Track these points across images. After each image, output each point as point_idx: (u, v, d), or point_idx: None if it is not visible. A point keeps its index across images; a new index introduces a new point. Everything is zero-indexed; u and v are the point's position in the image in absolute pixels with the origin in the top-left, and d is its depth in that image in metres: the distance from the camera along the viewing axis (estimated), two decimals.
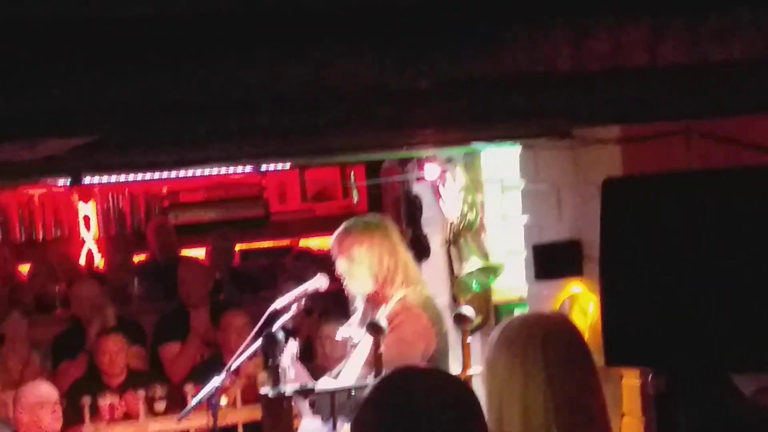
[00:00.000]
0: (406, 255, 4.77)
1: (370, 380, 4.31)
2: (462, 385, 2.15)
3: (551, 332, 2.67)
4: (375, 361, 4.27)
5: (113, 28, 1.90)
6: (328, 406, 4.44)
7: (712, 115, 3.53)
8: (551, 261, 4.80)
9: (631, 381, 4.51)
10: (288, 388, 4.36)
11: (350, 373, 4.59)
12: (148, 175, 5.62)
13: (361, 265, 4.64)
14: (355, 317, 4.80)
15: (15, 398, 5.67)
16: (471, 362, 4.51)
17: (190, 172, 5.73)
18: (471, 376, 4.47)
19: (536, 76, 1.89)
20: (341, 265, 4.70)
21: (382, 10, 1.77)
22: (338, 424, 4.33)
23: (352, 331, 4.76)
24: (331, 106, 2.47)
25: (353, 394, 4.34)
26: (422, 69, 1.87)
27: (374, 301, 4.67)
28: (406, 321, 4.50)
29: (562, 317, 2.97)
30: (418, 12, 1.78)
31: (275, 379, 4.38)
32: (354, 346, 4.68)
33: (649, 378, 4.10)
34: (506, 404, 2.58)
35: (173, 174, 5.59)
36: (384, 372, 4.18)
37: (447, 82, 1.92)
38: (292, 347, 4.49)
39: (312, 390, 4.39)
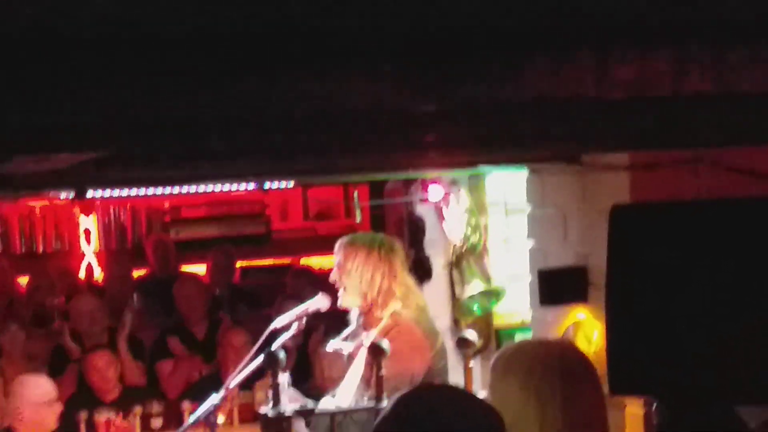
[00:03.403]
0: (407, 280, 4.71)
1: (368, 401, 4.29)
2: (483, 403, 2.12)
3: (566, 360, 2.65)
4: (376, 383, 4.24)
5: (127, 46, 1.89)
6: (326, 427, 4.40)
7: (735, 144, 3.52)
8: (556, 286, 4.78)
9: (634, 410, 4.48)
10: (288, 408, 4.33)
11: (346, 391, 4.56)
12: (150, 190, 5.59)
13: (350, 279, 4.61)
14: (348, 330, 4.78)
15: (14, 393, 5.57)
16: (473, 386, 4.48)
17: (193, 188, 5.72)
18: None
19: (559, 103, 1.88)
20: (336, 275, 4.67)
21: (405, 34, 1.76)
22: None
23: (342, 344, 4.73)
24: (344, 127, 2.45)
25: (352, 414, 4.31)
26: (443, 93, 1.86)
27: (366, 319, 4.64)
28: (398, 336, 4.47)
29: (571, 344, 2.95)
30: (443, 36, 1.77)
31: (275, 398, 4.35)
32: (350, 361, 4.65)
33: (653, 408, 4.07)
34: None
35: (176, 189, 5.57)
36: (385, 392, 4.18)
37: (467, 107, 1.90)
38: (285, 377, 4.45)
39: (312, 411, 4.36)
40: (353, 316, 4.77)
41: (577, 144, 3.40)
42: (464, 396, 2.12)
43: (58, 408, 5.60)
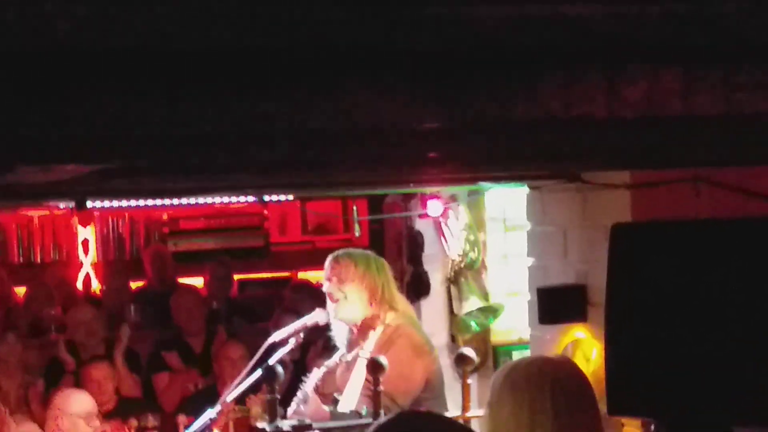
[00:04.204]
0: (398, 293, 4.77)
1: (366, 415, 4.28)
2: (463, 429, 2.11)
3: (560, 377, 2.65)
4: (374, 399, 4.23)
5: (132, 59, 1.89)
6: None
7: (743, 164, 3.52)
8: (555, 304, 4.77)
9: (632, 430, 4.46)
10: (285, 423, 4.31)
11: (348, 402, 4.55)
12: (150, 201, 5.59)
13: (353, 287, 4.61)
14: (339, 353, 4.77)
15: (54, 405, 5.59)
16: (470, 403, 4.47)
17: (192, 200, 5.72)
18: (470, 418, 4.44)
19: (569, 121, 1.88)
20: (335, 287, 4.66)
21: (415, 50, 1.76)
22: None
23: (338, 357, 4.73)
24: (349, 142, 2.45)
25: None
26: (452, 110, 1.86)
27: (363, 329, 4.63)
28: (399, 340, 4.48)
29: (568, 361, 2.94)
30: (453, 53, 1.77)
31: (272, 413, 4.34)
32: (347, 373, 4.64)
33: (652, 429, 4.06)
34: None
35: (175, 201, 5.57)
36: (383, 399, 4.18)
37: (476, 124, 1.90)
38: (317, 375, 4.47)
39: (309, 426, 4.34)
40: (339, 337, 4.76)
41: (584, 163, 3.41)
42: (445, 422, 2.09)
43: (95, 423, 5.60)
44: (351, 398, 4.55)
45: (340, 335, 4.76)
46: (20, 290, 7.96)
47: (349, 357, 4.69)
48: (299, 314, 5.10)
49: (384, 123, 1.90)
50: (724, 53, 1.86)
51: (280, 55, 1.88)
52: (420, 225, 6.41)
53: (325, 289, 4.74)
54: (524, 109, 1.84)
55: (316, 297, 6.66)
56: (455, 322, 6.19)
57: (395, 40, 1.68)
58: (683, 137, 2.37)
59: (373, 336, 4.59)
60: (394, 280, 4.79)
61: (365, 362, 4.48)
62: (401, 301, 4.76)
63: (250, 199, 5.89)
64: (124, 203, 5.79)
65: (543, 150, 2.55)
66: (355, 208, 6.98)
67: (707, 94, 1.88)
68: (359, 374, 4.56)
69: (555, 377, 2.63)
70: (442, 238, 6.20)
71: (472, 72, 1.83)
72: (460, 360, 4.42)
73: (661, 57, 1.86)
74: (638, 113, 1.86)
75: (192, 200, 5.67)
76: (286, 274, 8.90)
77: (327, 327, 4.85)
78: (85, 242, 8.90)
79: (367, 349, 4.57)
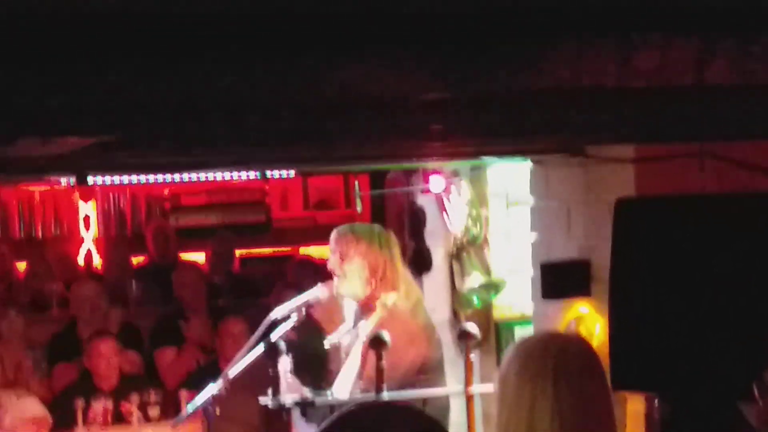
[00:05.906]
0: (404, 270, 4.72)
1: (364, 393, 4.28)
2: (425, 418, 2.09)
3: (565, 352, 2.63)
4: (377, 375, 4.21)
5: (135, 28, 1.86)
6: (322, 417, 4.38)
7: (757, 137, 3.49)
8: (559, 280, 4.76)
9: (635, 406, 4.45)
10: (288, 399, 4.30)
11: (343, 384, 4.53)
12: (151, 177, 5.57)
13: (353, 265, 4.58)
14: (345, 326, 4.75)
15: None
16: (473, 379, 4.46)
17: (193, 175, 5.70)
18: (472, 393, 4.43)
19: (578, 91, 1.85)
20: (336, 263, 4.64)
21: (422, 19, 1.73)
22: None
23: (341, 337, 4.71)
24: (352, 113, 2.42)
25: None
26: (460, 81, 1.83)
27: (363, 307, 4.62)
28: (393, 327, 4.44)
29: (579, 338, 2.92)
30: (460, 22, 1.74)
31: (274, 389, 4.33)
32: (347, 354, 4.63)
33: (656, 403, 4.06)
34: (513, 422, 2.54)
35: (176, 176, 5.54)
36: (368, 385, 4.17)
37: (484, 95, 1.87)
38: (286, 363, 4.43)
39: (312, 402, 4.33)
40: (348, 311, 4.75)
41: (593, 135, 3.37)
42: (405, 413, 2.07)
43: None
44: (347, 378, 4.54)
45: (349, 310, 4.74)
46: (21, 265, 7.97)
47: (349, 337, 4.67)
48: (301, 290, 5.08)
49: (387, 94, 1.87)
50: (739, 21, 1.82)
51: (283, 25, 1.85)
52: (422, 200, 6.38)
53: (328, 263, 4.73)
54: (533, 80, 1.81)
55: (317, 272, 6.65)
56: (457, 298, 6.17)
57: (399, 8, 1.65)
58: (695, 109, 2.34)
59: (373, 317, 4.57)
60: (400, 257, 4.74)
61: (362, 344, 4.47)
62: (405, 280, 4.69)
63: (252, 174, 5.86)
64: (126, 179, 5.77)
65: (551, 122, 2.52)
66: (356, 183, 6.96)
67: (721, 64, 1.85)
68: (356, 355, 4.54)
69: (560, 352, 2.61)
70: (444, 214, 6.17)
71: (479, 40, 1.79)
72: (463, 336, 4.41)
73: (673, 25, 1.83)
74: (650, 83, 1.83)
75: (193, 176, 5.64)
76: (287, 249, 8.90)
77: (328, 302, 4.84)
78: (87, 218, 8.90)
79: (365, 330, 4.55)
